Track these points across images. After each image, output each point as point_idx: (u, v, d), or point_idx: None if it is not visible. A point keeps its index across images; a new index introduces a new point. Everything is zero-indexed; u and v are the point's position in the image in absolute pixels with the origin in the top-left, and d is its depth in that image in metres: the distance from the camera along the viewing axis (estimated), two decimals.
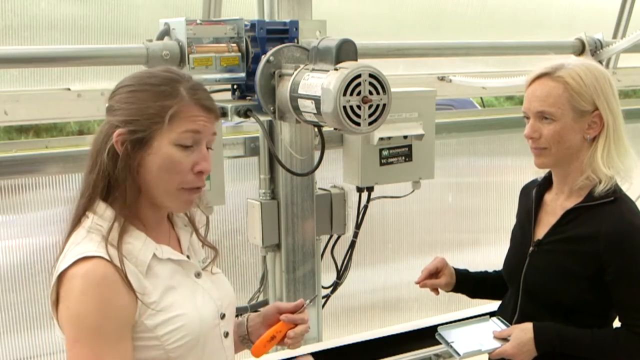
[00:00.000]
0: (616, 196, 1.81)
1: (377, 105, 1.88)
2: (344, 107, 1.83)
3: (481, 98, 7.27)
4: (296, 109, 1.99)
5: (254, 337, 1.64)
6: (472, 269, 2.14)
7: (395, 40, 2.78)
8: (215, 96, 2.14)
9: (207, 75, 2.07)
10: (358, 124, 1.87)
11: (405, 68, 3.06)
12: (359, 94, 1.85)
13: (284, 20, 2.24)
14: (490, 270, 2.15)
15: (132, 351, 1.34)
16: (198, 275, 1.49)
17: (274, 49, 2.08)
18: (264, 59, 2.07)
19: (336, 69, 1.85)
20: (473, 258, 3.27)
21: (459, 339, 1.92)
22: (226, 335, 1.52)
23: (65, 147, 2.39)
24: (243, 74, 2.13)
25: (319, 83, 1.88)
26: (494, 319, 1.98)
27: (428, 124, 2.58)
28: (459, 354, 1.87)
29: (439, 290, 2.09)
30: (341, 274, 2.73)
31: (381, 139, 2.45)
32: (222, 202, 2.35)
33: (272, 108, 2.08)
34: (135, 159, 1.37)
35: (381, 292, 3.17)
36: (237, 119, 2.11)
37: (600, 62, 2.89)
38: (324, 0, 2.52)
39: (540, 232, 1.91)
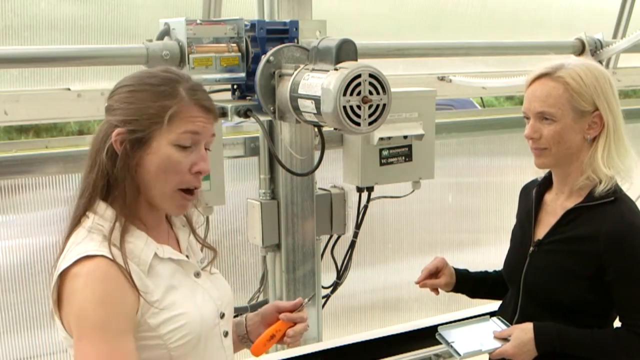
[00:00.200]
0: (616, 196, 1.81)
1: (377, 105, 1.88)
2: (344, 107, 1.83)
3: (481, 98, 7.26)
4: (296, 109, 1.99)
5: (252, 337, 1.65)
6: (472, 269, 2.14)
7: (395, 40, 2.78)
8: (215, 96, 2.16)
9: (207, 75, 2.07)
10: (358, 124, 1.87)
11: (405, 68, 3.06)
12: (359, 94, 1.85)
13: (284, 20, 2.24)
14: (490, 270, 2.15)
15: (135, 348, 1.33)
16: (197, 275, 1.49)
17: (274, 49, 2.08)
18: (264, 59, 2.07)
19: (336, 69, 1.85)
20: (473, 258, 3.27)
21: (460, 339, 1.92)
22: (226, 334, 1.52)
23: (65, 147, 2.39)
24: (243, 74, 2.13)
25: (319, 83, 1.88)
26: (494, 319, 1.98)
27: (428, 124, 2.58)
28: (459, 354, 1.87)
29: (439, 290, 2.09)
30: (341, 274, 2.73)
31: (381, 139, 2.45)
32: (222, 202, 2.35)
33: (272, 108, 2.08)
34: (134, 159, 1.37)
35: (381, 292, 3.18)
36: (237, 119, 2.11)
37: (600, 62, 2.88)
38: (324, 0, 2.52)
39: (541, 232, 1.91)
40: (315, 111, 1.91)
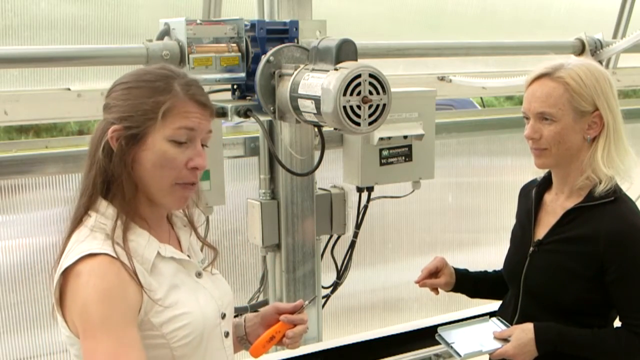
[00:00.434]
0: (616, 196, 1.81)
1: (377, 105, 1.88)
2: (344, 107, 1.83)
3: (481, 98, 7.26)
4: (296, 109, 1.99)
5: (252, 338, 1.65)
6: (472, 269, 2.14)
7: (395, 40, 2.78)
8: (215, 96, 2.16)
9: (207, 75, 2.06)
10: (358, 124, 1.87)
11: (405, 68, 3.06)
12: (359, 94, 1.84)
13: (284, 20, 2.23)
14: (490, 270, 2.15)
15: (141, 342, 1.33)
16: (199, 275, 1.49)
17: (274, 49, 2.08)
18: (264, 59, 2.07)
19: (336, 69, 1.85)
20: (473, 258, 3.27)
21: (460, 339, 1.92)
22: (226, 335, 1.52)
23: (65, 147, 2.40)
24: (243, 74, 2.13)
25: (319, 83, 1.88)
26: (494, 319, 1.97)
27: (428, 124, 2.58)
28: (459, 355, 1.87)
29: (439, 290, 2.09)
30: (341, 274, 2.73)
31: (381, 139, 2.45)
32: (222, 202, 2.35)
33: (272, 108, 2.08)
34: (129, 155, 1.37)
35: (381, 292, 3.17)
36: (237, 119, 2.11)
37: (600, 62, 2.88)
38: (324, 0, 2.52)
39: (541, 232, 1.91)
40: (315, 111, 1.91)
